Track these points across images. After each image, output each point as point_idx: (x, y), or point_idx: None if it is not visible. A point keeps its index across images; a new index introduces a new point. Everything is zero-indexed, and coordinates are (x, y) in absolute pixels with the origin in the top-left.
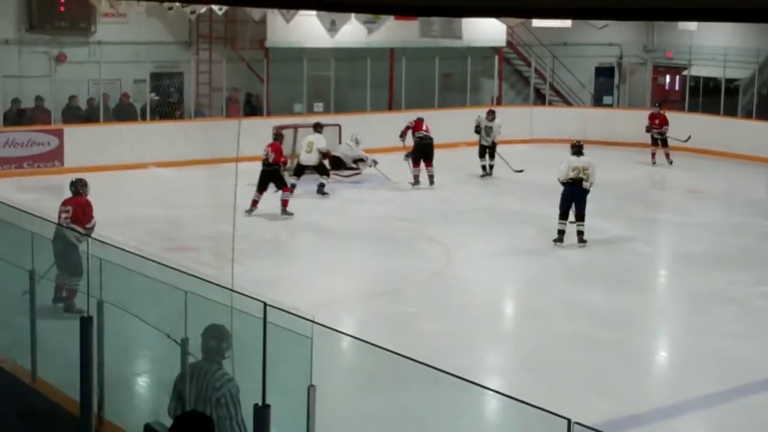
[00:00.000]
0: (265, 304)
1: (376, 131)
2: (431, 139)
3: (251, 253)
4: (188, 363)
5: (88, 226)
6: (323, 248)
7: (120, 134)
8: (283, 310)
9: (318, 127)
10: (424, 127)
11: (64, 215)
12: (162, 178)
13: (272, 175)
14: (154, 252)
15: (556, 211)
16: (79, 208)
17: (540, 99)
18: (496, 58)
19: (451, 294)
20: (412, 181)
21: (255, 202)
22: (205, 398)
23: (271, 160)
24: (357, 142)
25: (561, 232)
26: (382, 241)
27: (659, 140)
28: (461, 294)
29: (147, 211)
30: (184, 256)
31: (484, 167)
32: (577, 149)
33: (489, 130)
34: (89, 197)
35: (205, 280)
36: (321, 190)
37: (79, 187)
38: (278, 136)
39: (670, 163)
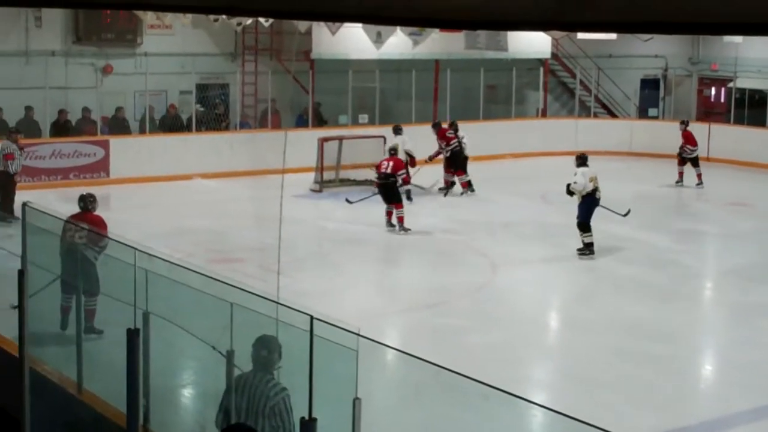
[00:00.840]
0: (312, 317)
1: (420, 143)
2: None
3: (296, 264)
4: (236, 375)
5: (101, 244)
6: (368, 260)
7: (165, 145)
8: (329, 323)
9: (398, 130)
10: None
11: (78, 234)
12: (207, 189)
13: (389, 188)
14: (200, 263)
15: (601, 224)
16: (93, 226)
17: (585, 111)
18: (541, 69)
19: (496, 306)
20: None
21: (389, 214)
22: (256, 409)
23: (389, 170)
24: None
25: (591, 245)
26: (428, 253)
27: (686, 159)
28: (507, 306)
29: (192, 223)
30: (229, 267)
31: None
32: (584, 160)
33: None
34: (98, 212)
35: (250, 292)
36: (409, 195)
37: (88, 203)
38: (394, 150)
39: (699, 184)
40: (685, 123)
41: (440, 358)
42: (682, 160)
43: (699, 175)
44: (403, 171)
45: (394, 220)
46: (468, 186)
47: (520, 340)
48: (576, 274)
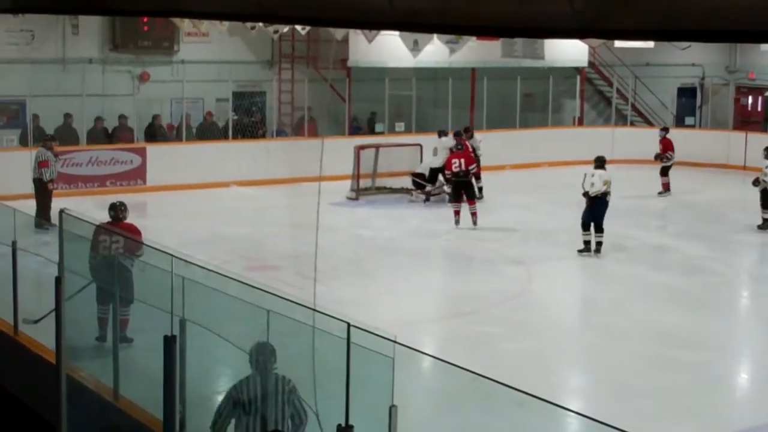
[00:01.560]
0: (349, 325)
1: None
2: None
3: (332, 272)
4: (236, 383)
5: (138, 253)
6: (403, 268)
7: (202, 153)
8: (365, 330)
9: (443, 133)
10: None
11: (114, 245)
12: (243, 196)
13: (465, 185)
14: (236, 271)
15: (637, 232)
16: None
17: (621, 119)
18: (578, 78)
19: (531, 314)
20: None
21: (457, 212)
22: (275, 400)
23: (463, 167)
24: (434, 154)
25: (589, 243)
26: (463, 260)
27: (668, 168)
28: (542, 314)
29: (228, 230)
30: (265, 275)
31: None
32: (602, 163)
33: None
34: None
35: (287, 299)
36: (480, 191)
37: (119, 212)
38: (459, 145)
39: (660, 193)
40: (665, 130)
41: (475, 366)
42: (664, 169)
43: (665, 184)
44: (474, 165)
45: (464, 218)
46: (479, 192)
47: (555, 349)
48: (610, 282)
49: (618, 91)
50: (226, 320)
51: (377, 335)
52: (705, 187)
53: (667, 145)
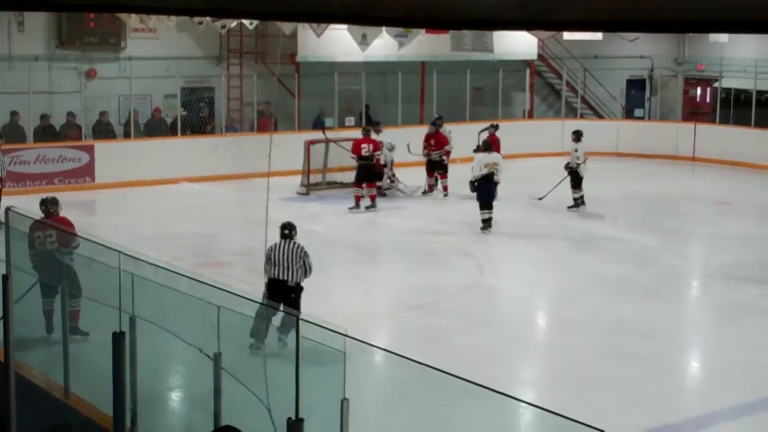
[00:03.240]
0: (298, 318)
1: (406, 145)
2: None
3: None
4: (271, 244)
5: (72, 245)
6: (355, 262)
7: (150, 150)
8: (315, 324)
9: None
10: (364, 148)
11: (49, 239)
12: (193, 193)
13: (369, 168)
14: (187, 267)
15: (587, 224)
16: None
17: (571, 112)
18: (528, 71)
19: (483, 307)
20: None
21: (358, 198)
22: (293, 254)
23: (371, 152)
24: (391, 148)
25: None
26: (414, 254)
27: (435, 166)
28: (494, 307)
29: (179, 227)
30: (216, 271)
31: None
32: (488, 146)
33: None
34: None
35: (237, 294)
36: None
37: (49, 206)
38: (368, 131)
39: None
40: (435, 121)
41: (428, 359)
42: (432, 168)
43: (445, 187)
44: (380, 152)
45: (364, 202)
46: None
47: (508, 341)
48: (562, 274)
49: (568, 83)
50: (176, 317)
51: (328, 329)
52: (654, 178)
53: (443, 140)
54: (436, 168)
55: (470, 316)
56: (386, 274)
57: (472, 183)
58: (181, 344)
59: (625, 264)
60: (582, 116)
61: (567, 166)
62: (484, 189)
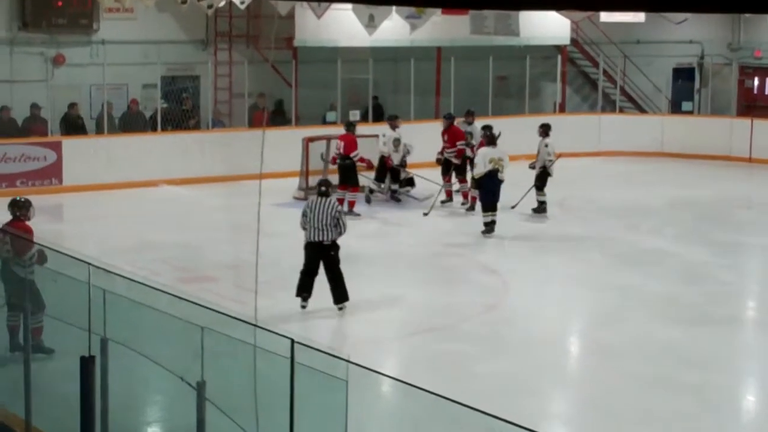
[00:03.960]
0: (293, 341)
1: (420, 143)
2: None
3: (278, 283)
4: (309, 199)
5: (28, 256)
6: (361, 277)
7: (127, 147)
8: (314, 349)
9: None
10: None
11: (5, 247)
12: (175, 197)
13: (346, 169)
14: (167, 283)
15: (629, 235)
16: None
17: (609, 105)
18: (559, 58)
19: (508, 330)
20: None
21: (340, 201)
22: (326, 211)
23: (342, 151)
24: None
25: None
26: (429, 269)
27: (452, 166)
28: (520, 330)
29: (158, 237)
30: (200, 287)
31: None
32: (492, 139)
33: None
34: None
35: (224, 314)
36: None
37: (17, 210)
38: (350, 125)
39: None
40: (450, 117)
41: (443, 389)
42: (447, 169)
43: (465, 194)
44: (357, 152)
45: (345, 206)
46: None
47: (536, 369)
48: (599, 292)
49: (605, 72)
50: (154, 339)
51: (328, 354)
52: (705, 182)
53: (455, 135)
54: (455, 170)
55: (493, 341)
56: (397, 291)
57: (475, 180)
58: (160, 371)
59: (672, 281)
60: (621, 110)
61: (533, 166)
62: (489, 187)
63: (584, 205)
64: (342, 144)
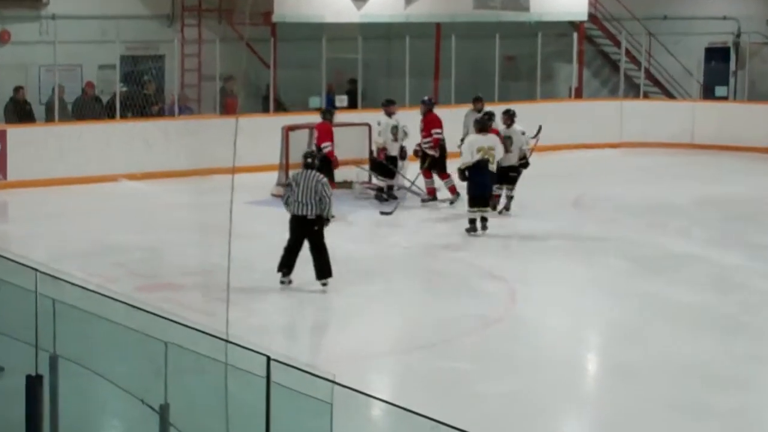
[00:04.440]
0: (269, 358)
1: (416, 131)
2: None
3: (252, 293)
4: (293, 173)
5: None
6: (348, 285)
7: (81, 137)
8: (293, 367)
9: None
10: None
11: None
12: (136, 194)
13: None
14: (125, 291)
15: (654, 237)
16: None
17: (633, 90)
18: (575, 36)
19: (514, 345)
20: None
21: None
22: (311, 184)
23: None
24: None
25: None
26: (425, 275)
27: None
28: (528, 345)
29: (116, 239)
30: (163, 296)
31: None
32: (483, 126)
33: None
34: None
35: (191, 327)
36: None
37: None
38: (326, 113)
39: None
40: (429, 102)
41: (441, 412)
42: (430, 165)
43: (451, 189)
44: (328, 144)
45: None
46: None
47: (546, 389)
48: (618, 301)
49: (627, 52)
50: (111, 356)
51: (310, 373)
52: (741, 177)
53: (431, 123)
54: (433, 164)
55: (497, 357)
56: (388, 301)
57: (461, 171)
58: (117, 392)
59: (701, 289)
60: (646, 95)
61: (506, 163)
62: (476, 180)
63: (602, 203)
64: (316, 134)
